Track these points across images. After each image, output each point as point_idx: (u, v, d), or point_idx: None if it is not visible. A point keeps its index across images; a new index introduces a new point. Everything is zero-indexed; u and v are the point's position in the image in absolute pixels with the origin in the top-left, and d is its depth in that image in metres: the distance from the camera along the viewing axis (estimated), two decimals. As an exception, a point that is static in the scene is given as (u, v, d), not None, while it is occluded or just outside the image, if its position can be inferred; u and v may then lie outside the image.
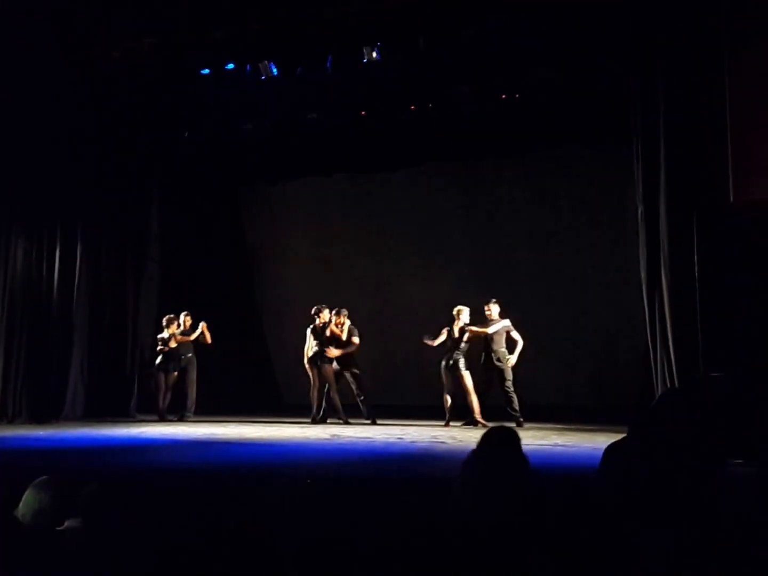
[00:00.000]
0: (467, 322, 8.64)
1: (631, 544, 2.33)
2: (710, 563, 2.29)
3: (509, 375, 8.44)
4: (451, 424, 8.40)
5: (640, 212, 7.45)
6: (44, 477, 3.06)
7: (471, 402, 8.42)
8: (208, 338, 9.72)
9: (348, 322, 9.04)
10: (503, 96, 9.24)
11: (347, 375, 9.00)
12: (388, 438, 7.33)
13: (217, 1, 8.34)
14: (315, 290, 10.80)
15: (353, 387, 8.98)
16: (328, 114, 9.80)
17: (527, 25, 7.83)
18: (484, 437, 2.67)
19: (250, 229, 12.47)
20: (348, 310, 9.15)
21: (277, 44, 8.62)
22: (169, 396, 9.68)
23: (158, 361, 9.64)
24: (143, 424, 8.98)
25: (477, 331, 8.57)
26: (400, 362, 10.85)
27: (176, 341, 9.61)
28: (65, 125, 9.42)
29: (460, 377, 8.50)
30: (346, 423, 8.83)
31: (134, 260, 10.25)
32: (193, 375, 9.69)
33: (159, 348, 9.68)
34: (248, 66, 8.89)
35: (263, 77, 8.85)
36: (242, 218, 12.50)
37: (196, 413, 9.57)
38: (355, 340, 8.99)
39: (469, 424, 8.33)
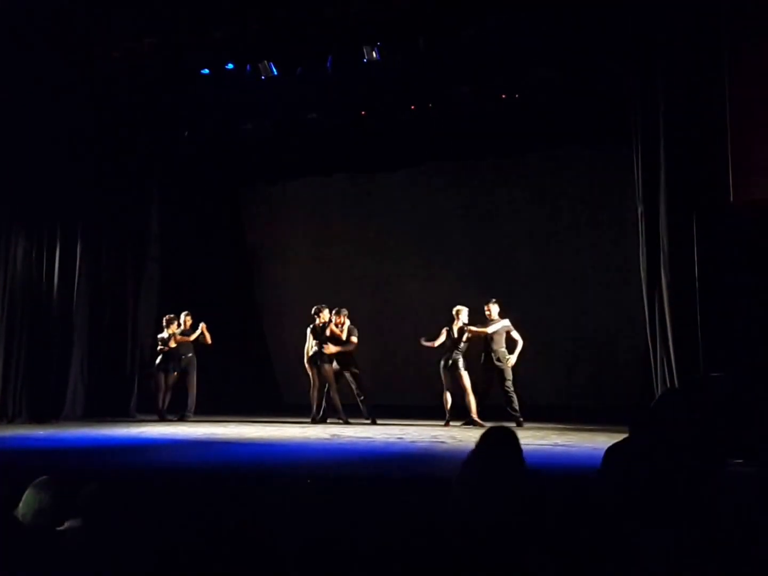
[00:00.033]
0: (466, 321, 8.64)
1: (631, 544, 2.33)
2: (710, 563, 2.29)
3: (509, 375, 8.45)
4: (450, 423, 8.41)
5: (640, 212, 7.45)
6: (44, 477, 3.06)
7: (468, 402, 8.42)
8: (208, 339, 9.73)
9: (348, 322, 9.05)
10: (503, 96, 9.24)
11: (347, 375, 9.00)
12: (388, 438, 7.33)
13: (217, 1, 8.33)
14: (315, 290, 10.80)
15: (353, 387, 8.98)
16: (328, 114, 9.80)
17: (527, 25, 7.83)
18: (483, 437, 2.68)
19: (250, 229, 12.47)
20: (348, 310, 9.15)
21: (277, 44, 8.63)
22: (169, 396, 9.68)
23: (158, 361, 9.64)
24: (143, 424, 8.98)
25: (477, 331, 8.58)
26: (400, 362, 10.84)
27: (176, 341, 9.61)
28: (65, 125, 9.42)
29: (459, 377, 8.50)
30: (346, 423, 8.83)
31: (134, 260, 10.26)
32: (193, 375, 9.68)
33: (159, 348, 9.68)
34: (248, 66, 8.90)
35: (263, 77, 8.86)
36: (242, 218, 12.50)
37: (196, 413, 9.56)
38: (354, 339, 8.99)
39: (469, 424, 8.33)
